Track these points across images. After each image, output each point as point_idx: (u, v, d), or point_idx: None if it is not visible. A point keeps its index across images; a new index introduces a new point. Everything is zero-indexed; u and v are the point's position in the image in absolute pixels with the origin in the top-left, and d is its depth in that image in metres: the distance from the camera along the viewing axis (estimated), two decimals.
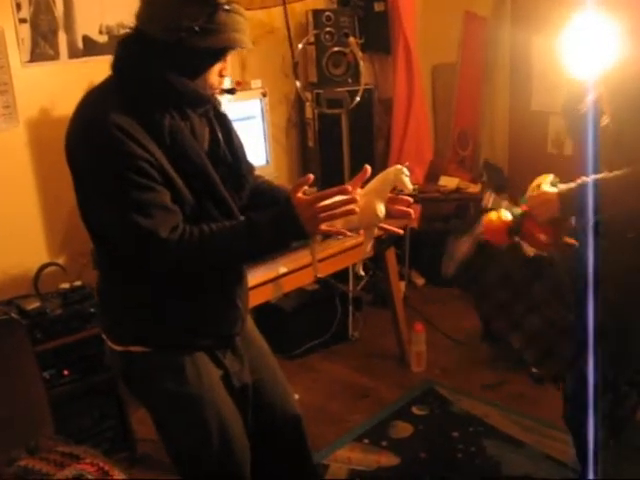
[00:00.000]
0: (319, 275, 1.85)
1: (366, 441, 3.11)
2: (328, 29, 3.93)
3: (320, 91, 3.97)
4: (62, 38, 3.16)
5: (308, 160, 4.21)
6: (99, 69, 3.27)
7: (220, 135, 1.85)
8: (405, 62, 4.41)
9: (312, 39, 3.95)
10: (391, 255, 3.64)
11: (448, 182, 4.46)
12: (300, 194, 1.66)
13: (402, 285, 4.32)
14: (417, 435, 3.13)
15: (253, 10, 3.65)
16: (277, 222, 1.68)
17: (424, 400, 3.38)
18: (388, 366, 3.71)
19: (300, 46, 3.80)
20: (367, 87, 4.06)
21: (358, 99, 3.87)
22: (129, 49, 1.72)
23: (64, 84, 3.16)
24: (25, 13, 3.03)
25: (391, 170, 1.77)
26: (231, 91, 1.86)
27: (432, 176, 4.58)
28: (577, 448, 2.52)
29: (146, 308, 1.83)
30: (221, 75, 1.76)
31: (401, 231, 1.84)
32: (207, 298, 1.86)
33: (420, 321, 3.77)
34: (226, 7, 1.64)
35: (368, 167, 1.74)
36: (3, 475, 1.86)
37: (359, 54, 3.92)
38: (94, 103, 1.72)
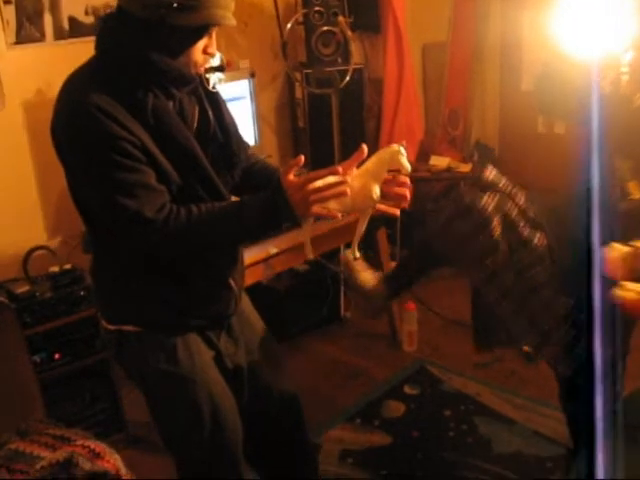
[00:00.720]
0: (311, 257, 1.83)
1: (358, 421, 3.12)
2: (317, 8, 3.89)
3: (310, 71, 3.94)
4: (48, 19, 3.13)
5: (298, 140, 4.19)
6: (86, 50, 3.24)
7: (210, 113, 1.83)
8: (395, 41, 4.38)
9: (301, 19, 3.92)
10: (382, 235, 3.64)
11: (439, 162, 4.45)
12: (291, 176, 1.64)
13: (394, 265, 4.32)
14: (409, 414, 3.15)
15: None
16: (268, 205, 1.66)
17: (416, 379, 3.39)
18: (380, 346, 3.72)
19: (289, 26, 3.77)
20: (357, 67, 4.04)
21: (348, 79, 3.84)
22: (110, 28, 1.70)
23: (51, 66, 3.13)
24: None
25: (387, 150, 1.73)
26: (220, 68, 1.82)
27: (423, 155, 4.57)
28: (571, 427, 2.53)
29: (137, 289, 1.84)
30: (206, 53, 1.72)
31: (397, 212, 1.79)
32: (198, 279, 1.85)
33: (411, 300, 3.78)
34: None
35: (364, 147, 1.71)
36: None
37: (348, 33, 3.89)
38: (76, 85, 1.70)
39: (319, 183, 1.62)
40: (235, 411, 2.00)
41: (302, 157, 1.65)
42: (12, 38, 3.03)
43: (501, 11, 5.25)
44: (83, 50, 3.28)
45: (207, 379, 1.92)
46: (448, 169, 4.41)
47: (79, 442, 1.91)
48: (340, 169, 1.63)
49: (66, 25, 3.18)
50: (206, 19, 1.62)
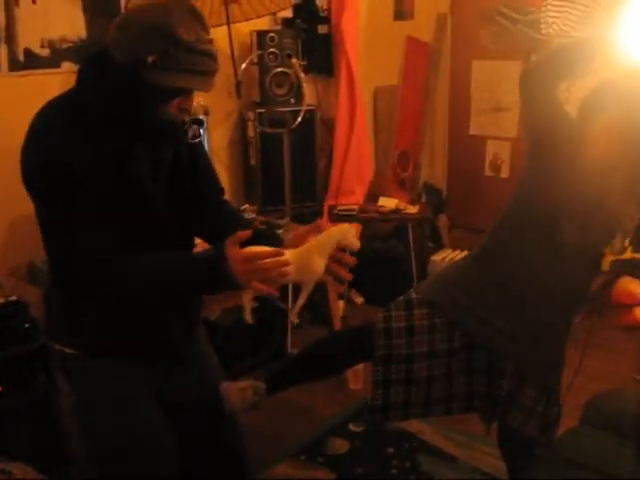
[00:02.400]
0: (249, 322, 1.88)
1: (302, 457, 3.13)
2: (272, 50, 3.98)
3: (262, 110, 4.01)
4: (3, 50, 3.13)
5: (250, 178, 4.24)
6: (41, 83, 3.29)
7: (183, 160, 1.89)
8: (347, 84, 4.49)
9: (255, 59, 4.00)
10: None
11: (387, 202, 4.54)
12: (236, 248, 1.66)
13: (341, 304, 4.37)
14: (353, 451, 3.17)
15: None
16: (212, 270, 1.67)
17: (360, 417, 3.42)
18: (325, 384, 3.71)
19: (243, 66, 3.84)
20: (309, 107, 4.12)
21: (300, 119, 3.92)
22: (94, 67, 1.71)
23: (5, 98, 3.13)
24: None
25: (337, 229, 1.83)
26: (199, 121, 1.85)
27: (372, 196, 4.66)
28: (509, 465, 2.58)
29: (82, 314, 1.86)
30: (181, 109, 1.72)
31: (341, 289, 1.92)
32: (138, 317, 1.87)
33: None
34: (190, 46, 1.60)
35: (320, 223, 1.78)
36: None
37: (302, 75, 3.98)
38: (47, 114, 1.73)
39: (264, 262, 1.66)
40: (170, 447, 2.00)
41: (248, 232, 1.68)
42: None
43: (451, 57, 5.44)
44: (38, 82, 3.33)
45: (143, 409, 1.94)
46: (396, 210, 4.50)
47: (19, 476, 1.89)
48: (285, 252, 1.70)
49: (21, 57, 3.19)
50: (177, 83, 1.63)
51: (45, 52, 3.27)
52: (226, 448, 2.21)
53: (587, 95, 2.13)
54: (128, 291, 1.73)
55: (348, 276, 1.89)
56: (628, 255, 2.25)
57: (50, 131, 1.67)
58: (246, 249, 1.68)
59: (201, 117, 1.91)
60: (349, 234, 1.82)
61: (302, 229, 1.84)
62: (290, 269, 1.71)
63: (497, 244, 2.31)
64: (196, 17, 1.64)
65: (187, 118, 1.78)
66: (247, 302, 1.82)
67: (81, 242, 1.65)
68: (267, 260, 1.66)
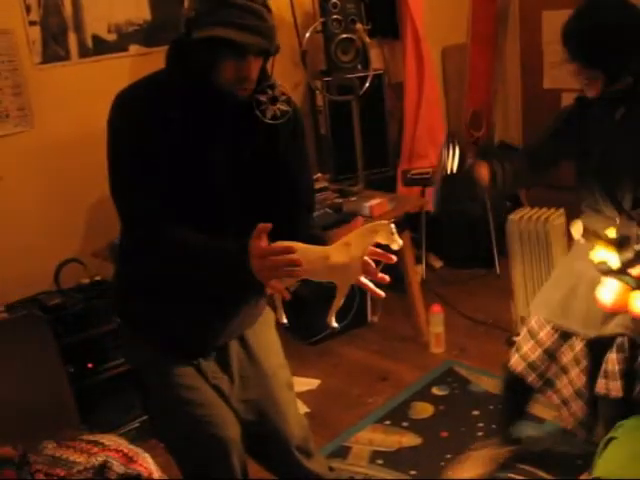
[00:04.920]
0: (283, 321, 1.74)
1: (387, 422, 3.15)
2: (335, 16, 3.94)
3: (330, 79, 3.99)
4: (72, 38, 3.22)
5: (321, 148, 4.23)
6: (110, 67, 3.37)
7: (260, 145, 1.81)
8: (414, 45, 4.42)
9: (319, 27, 3.97)
10: (406, 239, 3.66)
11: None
12: (258, 242, 1.55)
13: (420, 268, 4.35)
14: (438, 415, 3.17)
15: None
16: (230, 262, 1.61)
17: (444, 380, 3.41)
18: (407, 348, 3.75)
19: (307, 35, 3.83)
20: (377, 72, 4.08)
21: (368, 85, 3.89)
22: (171, 46, 1.77)
23: (76, 84, 3.22)
24: (35, 15, 3.09)
25: (375, 225, 1.63)
26: (273, 99, 1.76)
27: None
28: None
29: (139, 289, 1.90)
30: (239, 78, 1.67)
31: (382, 294, 1.66)
32: (184, 304, 1.86)
33: (437, 303, 3.80)
34: (229, 1, 1.60)
35: (359, 220, 1.67)
36: (32, 464, 1.92)
37: (367, 40, 3.93)
38: (130, 87, 1.78)
39: (275, 259, 1.53)
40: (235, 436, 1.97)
41: (268, 225, 1.55)
42: (38, 58, 3.12)
43: (519, 10, 5.27)
44: (107, 67, 3.41)
45: (205, 402, 1.92)
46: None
47: (113, 447, 1.97)
48: (295, 247, 1.55)
49: (90, 43, 3.26)
50: (216, 32, 1.61)
51: (112, 37, 3.33)
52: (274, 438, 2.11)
53: None
54: (160, 260, 1.75)
55: (385, 279, 1.66)
56: None
57: (125, 98, 1.74)
58: (269, 245, 1.57)
59: (283, 96, 1.78)
60: (386, 231, 1.60)
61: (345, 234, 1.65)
62: (302, 268, 1.55)
63: None
64: None
65: (264, 98, 1.74)
66: (278, 301, 1.72)
67: (136, 202, 1.72)
68: (277, 257, 1.54)
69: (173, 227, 1.70)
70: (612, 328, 2.30)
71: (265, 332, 2.10)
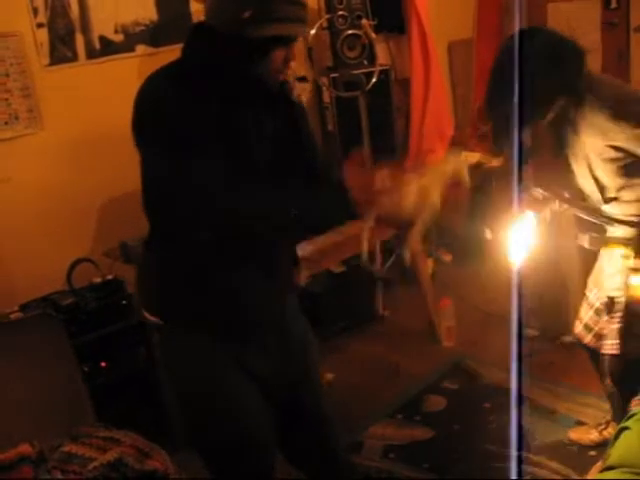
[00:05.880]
0: (365, 250, 1.80)
1: (400, 416, 3.16)
2: (341, 12, 3.95)
3: (336, 75, 3.99)
4: (79, 40, 3.23)
5: (328, 144, 4.24)
6: (117, 68, 3.38)
7: (285, 123, 1.90)
8: (420, 40, 4.40)
9: (325, 24, 3.98)
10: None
11: (470, 157, 4.45)
12: (355, 171, 1.68)
13: (430, 263, 4.35)
14: (450, 408, 3.18)
15: None
16: (336, 202, 1.69)
17: (455, 374, 3.42)
18: (419, 342, 3.75)
19: (313, 31, 3.83)
20: (383, 68, 4.09)
21: (374, 80, 3.89)
22: (196, 38, 1.80)
23: (84, 85, 3.24)
24: (42, 17, 3.10)
25: (451, 159, 1.71)
26: (303, 79, 1.90)
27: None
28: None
29: (172, 279, 1.88)
30: (286, 61, 1.78)
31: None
32: (229, 280, 1.87)
33: (448, 296, 3.80)
34: None
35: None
36: (48, 461, 1.95)
37: (373, 35, 3.94)
38: (152, 80, 1.78)
39: (381, 185, 1.64)
40: (265, 425, 1.99)
41: (363, 153, 1.68)
42: (46, 60, 3.14)
43: (526, 2, 5.25)
44: (115, 68, 3.42)
45: (236, 387, 1.93)
46: (479, 164, 4.42)
47: (128, 443, 1.99)
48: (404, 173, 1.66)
49: (97, 44, 3.28)
50: (278, 31, 1.70)
51: (119, 37, 3.35)
52: (311, 414, 2.16)
53: None
54: (240, 215, 1.72)
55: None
56: None
57: (157, 87, 1.75)
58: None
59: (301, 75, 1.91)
60: (463, 165, 1.70)
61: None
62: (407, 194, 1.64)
63: None
64: None
65: (290, 78, 1.86)
66: (364, 240, 1.75)
67: (194, 170, 1.69)
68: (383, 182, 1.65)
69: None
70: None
71: (298, 316, 2.17)
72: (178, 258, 1.86)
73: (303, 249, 2.92)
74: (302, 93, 1.87)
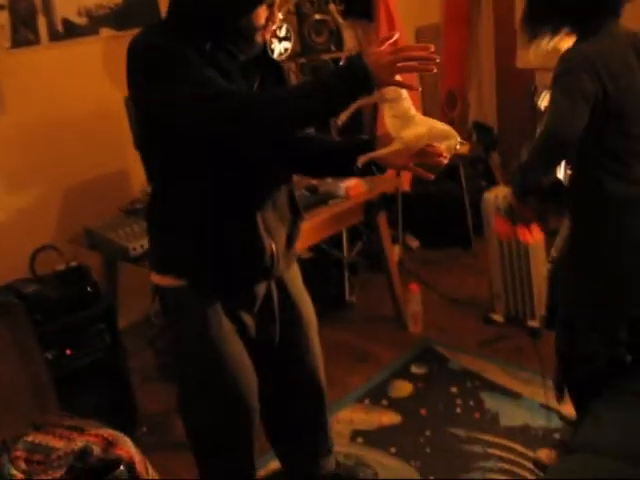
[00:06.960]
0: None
1: (367, 401, 3.17)
2: None
3: (303, 60, 3.97)
4: (42, 22, 3.17)
5: None
6: (81, 51, 3.33)
7: (270, 78, 1.96)
8: (387, 26, 4.40)
9: (293, 8, 3.94)
10: (382, 219, 3.67)
11: (462, 147, 4.47)
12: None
13: (397, 248, 4.36)
14: (417, 393, 3.20)
15: None
16: (344, 69, 1.72)
17: (422, 359, 3.44)
18: (386, 328, 3.77)
19: (280, 16, 3.79)
20: (350, 54, 4.06)
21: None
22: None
23: (47, 68, 3.18)
24: None
25: (453, 133, 1.87)
26: (286, 39, 1.92)
27: None
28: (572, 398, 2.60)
29: (179, 233, 1.92)
30: (267, 21, 1.82)
31: (432, 176, 1.95)
32: (236, 235, 1.93)
33: (414, 282, 3.82)
34: None
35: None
36: (11, 451, 1.92)
37: (340, 21, 3.92)
38: (143, 34, 1.81)
39: (410, 53, 1.67)
40: (253, 389, 2.12)
41: (396, 34, 1.75)
42: (8, 42, 3.07)
43: None
44: (79, 51, 3.37)
45: (230, 347, 2.03)
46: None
47: (93, 432, 1.97)
48: (432, 47, 1.68)
49: (60, 27, 3.22)
50: None
51: (83, 20, 3.29)
52: (306, 379, 2.35)
53: None
54: (263, 116, 1.71)
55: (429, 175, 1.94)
56: None
57: (152, 37, 1.78)
58: None
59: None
60: (456, 144, 1.86)
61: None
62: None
63: None
64: None
65: (272, 38, 1.88)
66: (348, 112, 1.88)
67: (207, 85, 1.70)
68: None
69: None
70: None
71: (298, 280, 2.31)
72: (187, 210, 1.90)
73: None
74: (282, 52, 1.91)
